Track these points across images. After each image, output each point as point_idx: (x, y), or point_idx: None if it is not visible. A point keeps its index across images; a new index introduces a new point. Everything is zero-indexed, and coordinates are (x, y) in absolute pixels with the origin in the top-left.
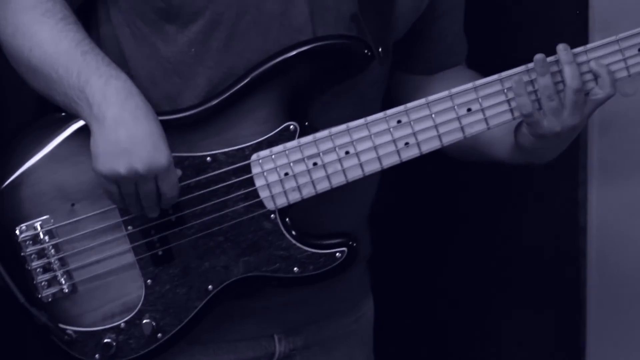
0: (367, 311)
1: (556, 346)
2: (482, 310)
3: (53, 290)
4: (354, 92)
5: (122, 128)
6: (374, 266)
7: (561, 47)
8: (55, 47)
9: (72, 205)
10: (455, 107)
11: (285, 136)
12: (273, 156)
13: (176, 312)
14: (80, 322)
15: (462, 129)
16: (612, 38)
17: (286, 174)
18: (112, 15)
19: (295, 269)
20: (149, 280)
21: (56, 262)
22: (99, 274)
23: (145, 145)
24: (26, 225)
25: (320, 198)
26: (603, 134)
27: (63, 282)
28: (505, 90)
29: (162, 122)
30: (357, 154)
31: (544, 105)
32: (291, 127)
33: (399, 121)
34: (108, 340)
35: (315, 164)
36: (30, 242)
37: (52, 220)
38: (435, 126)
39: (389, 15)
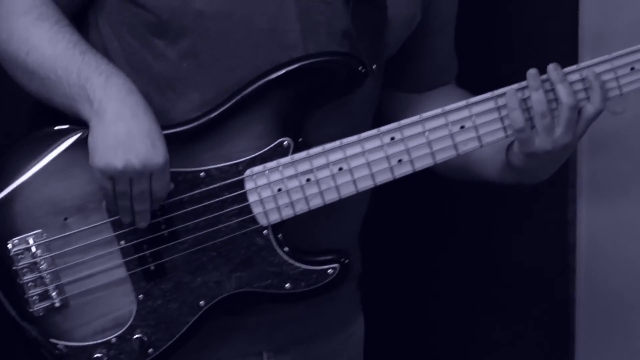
0: (357, 330)
1: None
2: (472, 328)
3: (44, 304)
4: (347, 108)
5: (122, 123)
6: (364, 285)
7: (551, 67)
8: (53, 49)
9: (65, 219)
10: (449, 124)
11: (279, 152)
12: (266, 172)
13: (168, 327)
14: (71, 337)
15: (455, 146)
16: (606, 57)
17: (279, 190)
18: (101, 29)
19: (287, 285)
20: (140, 295)
21: (48, 276)
22: (91, 288)
23: (143, 142)
24: (18, 239)
25: (313, 214)
26: (592, 153)
27: (54, 296)
28: (499, 108)
29: None
30: (350, 171)
31: (536, 122)
32: (285, 143)
33: (392, 138)
34: (99, 355)
35: (308, 180)
36: (22, 255)
37: (44, 234)
38: (429, 143)
39: (382, 32)
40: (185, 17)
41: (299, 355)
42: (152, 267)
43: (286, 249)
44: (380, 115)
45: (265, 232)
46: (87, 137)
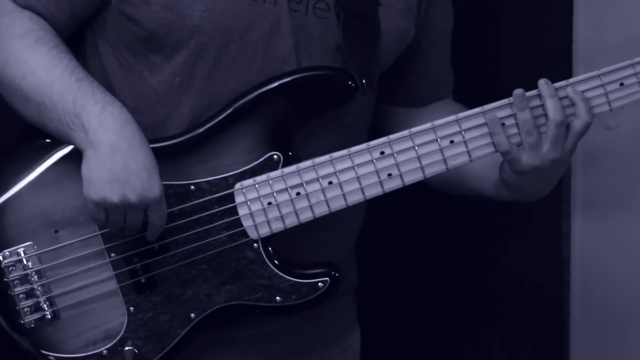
0: (353, 343)
1: None
2: (467, 341)
3: (36, 316)
4: (338, 123)
5: (118, 156)
6: (360, 298)
7: (542, 82)
8: (49, 74)
9: (56, 231)
10: (438, 139)
11: (269, 166)
12: (256, 185)
13: (158, 339)
14: (63, 349)
15: (444, 160)
16: (595, 73)
17: (269, 203)
18: (99, 45)
19: (277, 298)
20: (131, 308)
21: (39, 288)
22: (82, 300)
23: (140, 176)
24: (9, 251)
25: (304, 228)
26: (586, 167)
27: (46, 308)
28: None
29: None
30: (340, 185)
31: (523, 139)
32: (275, 157)
33: (382, 152)
34: None
35: (298, 193)
36: (14, 267)
37: (35, 247)
38: (418, 158)
39: (374, 47)
40: (182, 31)
41: None
42: (143, 280)
43: (276, 262)
44: (377, 129)
45: (255, 245)
46: (76, 149)
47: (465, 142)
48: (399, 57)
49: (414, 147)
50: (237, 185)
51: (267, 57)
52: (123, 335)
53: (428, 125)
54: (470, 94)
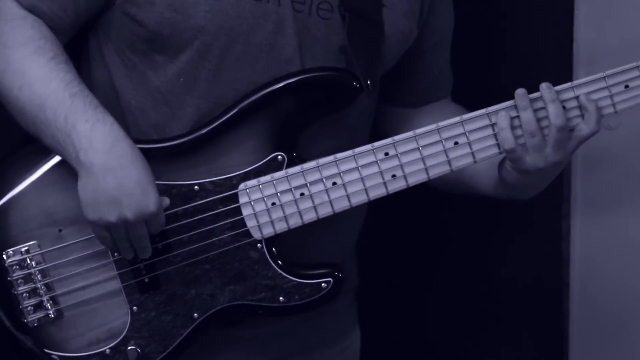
0: (353, 342)
1: None
2: (466, 341)
3: (39, 315)
4: (342, 123)
5: (111, 177)
6: (361, 297)
7: (544, 86)
8: (45, 88)
9: (60, 231)
10: (443, 140)
11: (273, 166)
12: (260, 186)
13: (161, 339)
14: (66, 348)
15: (449, 162)
16: (600, 75)
17: (273, 203)
18: (103, 46)
19: (280, 298)
20: (134, 307)
21: (42, 287)
22: (85, 299)
23: (134, 194)
24: (13, 250)
25: (307, 228)
26: (586, 167)
27: (49, 307)
28: (492, 125)
29: (151, 150)
30: (344, 185)
31: (526, 141)
32: (279, 157)
33: (386, 153)
34: None
35: (302, 194)
36: (17, 267)
37: (39, 246)
38: (422, 159)
39: (377, 48)
40: (186, 32)
41: None
42: (146, 280)
43: (280, 262)
44: (375, 129)
45: (259, 245)
46: None
47: (469, 144)
48: (400, 58)
49: (418, 148)
50: (241, 186)
51: (271, 57)
52: (126, 334)
53: (432, 126)
54: (471, 94)
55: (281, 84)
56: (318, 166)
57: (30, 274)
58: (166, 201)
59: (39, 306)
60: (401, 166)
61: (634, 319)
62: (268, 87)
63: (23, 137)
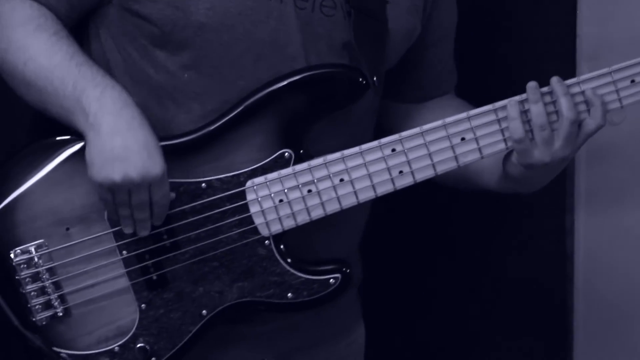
0: (358, 337)
1: None
2: (470, 337)
3: (47, 313)
4: (349, 120)
5: (118, 137)
6: (365, 293)
7: (555, 80)
8: (50, 60)
9: (67, 229)
10: (449, 136)
11: (280, 163)
12: (268, 183)
13: (170, 336)
14: (75, 346)
15: (455, 157)
16: (606, 70)
17: (281, 200)
18: (102, 40)
19: (289, 294)
20: (143, 305)
21: (50, 285)
22: (93, 297)
23: (140, 155)
24: (21, 249)
25: (314, 224)
26: (590, 162)
27: (57, 305)
28: (499, 120)
29: None
30: (351, 182)
31: (536, 135)
32: (286, 154)
33: (393, 149)
34: None
35: (309, 191)
36: (25, 265)
37: (46, 244)
38: (429, 155)
39: (382, 44)
40: (187, 29)
41: None
42: (154, 277)
43: (288, 259)
44: (379, 124)
45: (267, 242)
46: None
47: (476, 139)
48: (404, 54)
49: (425, 144)
50: (249, 183)
51: (275, 54)
52: (135, 332)
53: (439, 122)
54: (475, 90)
55: (288, 81)
56: (325, 163)
57: (38, 272)
58: (172, 196)
59: (47, 305)
60: (408, 162)
61: (638, 313)
62: (275, 84)
63: (27, 136)
